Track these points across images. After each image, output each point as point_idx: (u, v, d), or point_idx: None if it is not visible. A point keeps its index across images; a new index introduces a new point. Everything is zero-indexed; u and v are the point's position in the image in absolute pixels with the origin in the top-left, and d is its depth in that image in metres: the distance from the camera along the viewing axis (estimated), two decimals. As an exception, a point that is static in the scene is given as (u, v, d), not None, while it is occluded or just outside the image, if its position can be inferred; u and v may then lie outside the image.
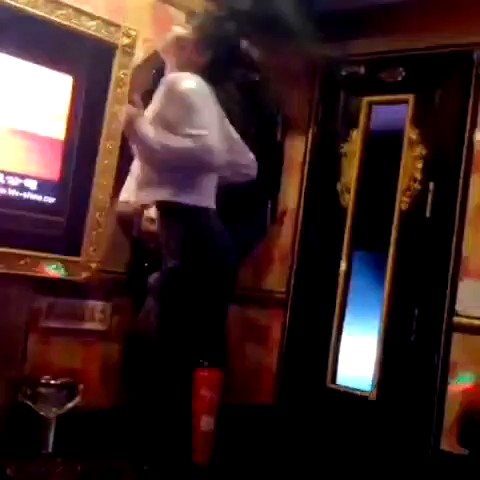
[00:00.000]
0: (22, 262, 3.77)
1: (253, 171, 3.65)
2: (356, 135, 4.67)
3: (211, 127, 3.15)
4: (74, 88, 3.90)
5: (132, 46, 4.03)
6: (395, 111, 4.64)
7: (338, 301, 4.61)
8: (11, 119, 3.72)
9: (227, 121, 3.48)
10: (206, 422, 3.96)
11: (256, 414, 4.53)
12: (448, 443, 3.98)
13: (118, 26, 3.99)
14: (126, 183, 3.95)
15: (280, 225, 4.83)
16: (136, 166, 3.63)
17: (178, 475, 2.75)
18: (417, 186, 4.35)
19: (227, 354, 3.61)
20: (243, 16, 4.17)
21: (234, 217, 3.65)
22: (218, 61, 3.34)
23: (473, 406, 3.90)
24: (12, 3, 3.61)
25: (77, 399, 3.78)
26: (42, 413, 3.69)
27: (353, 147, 4.67)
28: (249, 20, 4.21)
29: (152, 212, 3.94)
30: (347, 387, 4.55)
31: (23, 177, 3.77)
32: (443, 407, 4.07)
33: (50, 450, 3.70)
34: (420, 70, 4.45)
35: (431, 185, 4.29)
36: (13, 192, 3.75)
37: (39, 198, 3.83)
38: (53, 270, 3.77)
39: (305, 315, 4.71)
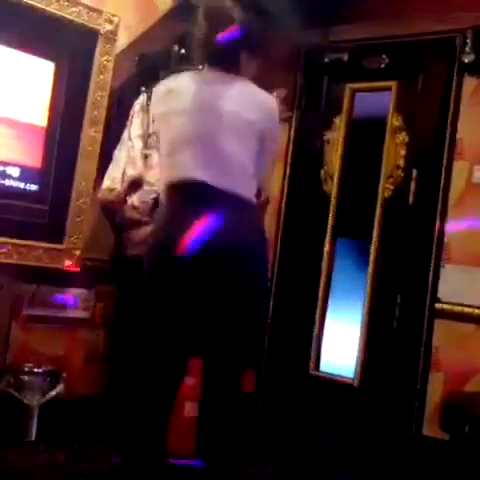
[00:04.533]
0: (4, 250, 3.75)
1: None
2: (339, 122, 4.67)
3: None
4: (56, 74, 3.87)
5: (114, 32, 4.00)
6: (378, 98, 4.64)
7: (321, 288, 4.62)
8: (-8, 106, 3.70)
9: None
10: (188, 408, 3.96)
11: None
12: (430, 428, 4.01)
13: (100, 12, 3.96)
14: (109, 170, 3.94)
15: (263, 213, 4.82)
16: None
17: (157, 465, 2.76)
18: (400, 173, 4.36)
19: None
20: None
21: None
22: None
23: (455, 392, 3.93)
24: (-7, -12, 3.59)
25: (60, 387, 3.78)
26: (25, 401, 3.69)
27: (336, 134, 4.68)
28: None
29: (135, 200, 3.94)
30: (330, 374, 4.57)
31: (5, 164, 3.74)
32: (425, 393, 4.10)
33: (33, 438, 3.71)
34: (403, 57, 4.45)
35: (414, 172, 4.31)
36: (-5, 179, 3.73)
37: (21, 185, 3.81)
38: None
39: (288, 303, 4.71)
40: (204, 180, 2.67)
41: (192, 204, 2.69)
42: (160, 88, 2.88)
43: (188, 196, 2.72)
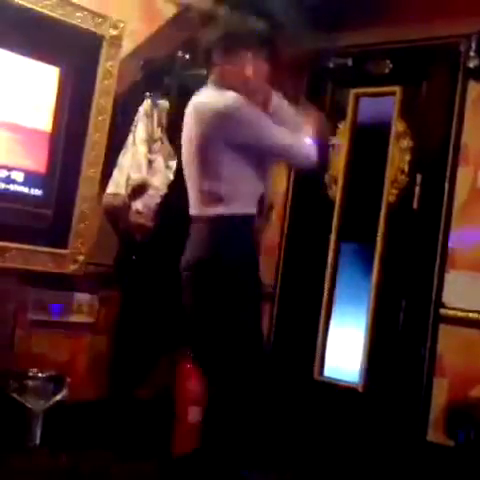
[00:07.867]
0: (8, 255, 3.76)
1: None
2: (344, 127, 4.67)
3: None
4: (61, 80, 3.90)
5: (119, 38, 4.02)
6: (383, 103, 4.64)
7: (325, 293, 4.61)
8: (-3, 111, 3.71)
9: None
10: (193, 413, 3.96)
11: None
12: (435, 434, 4.00)
13: (105, 18, 3.98)
14: (113, 175, 3.95)
15: (267, 221, 4.81)
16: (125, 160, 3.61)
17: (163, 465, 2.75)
18: (404, 178, 4.36)
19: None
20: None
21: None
22: None
23: (460, 397, 3.92)
24: (-3, -6, 3.60)
25: (64, 391, 3.78)
26: (29, 406, 3.70)
27: (341, 139, 4.67)
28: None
29: (139, 205, 3.95)
30: (335, 379, 4.56)
31: (10, 169, 3.76)
32: (430, 398, 4.08)
33: (37, 442, 3.71)
34: (407, 62, 4.45)
35: (418, 177, 4.30)
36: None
37: (26, 190, 3.83)
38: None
39: (293, 308, 4.71)
40: None
41: None
42: None
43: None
